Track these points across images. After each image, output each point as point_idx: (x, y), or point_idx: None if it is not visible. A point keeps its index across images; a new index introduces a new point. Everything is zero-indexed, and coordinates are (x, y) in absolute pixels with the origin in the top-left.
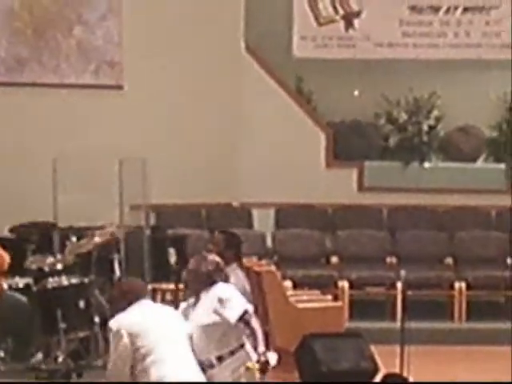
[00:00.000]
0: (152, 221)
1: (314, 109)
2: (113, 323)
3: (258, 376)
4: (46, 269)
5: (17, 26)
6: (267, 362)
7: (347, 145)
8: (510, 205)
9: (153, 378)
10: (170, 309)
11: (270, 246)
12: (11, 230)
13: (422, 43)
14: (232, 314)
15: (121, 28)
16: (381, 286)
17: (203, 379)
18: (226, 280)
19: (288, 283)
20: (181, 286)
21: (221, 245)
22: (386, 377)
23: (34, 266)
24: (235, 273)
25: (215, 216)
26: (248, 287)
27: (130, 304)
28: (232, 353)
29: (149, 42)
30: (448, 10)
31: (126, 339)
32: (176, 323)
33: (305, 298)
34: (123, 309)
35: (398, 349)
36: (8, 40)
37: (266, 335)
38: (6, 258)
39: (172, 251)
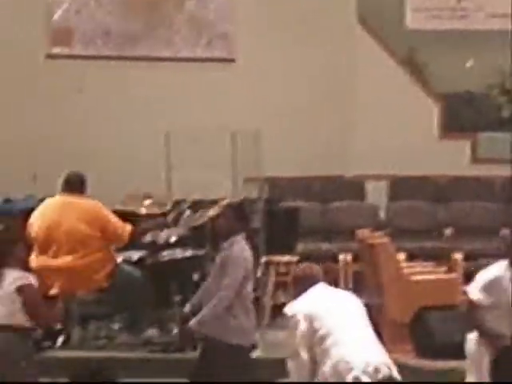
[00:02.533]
0: (265, 193)
1: (427, 80)
2: (289, 309)
3: None
4: (161, 242)
5: (129, 0)
6: None
7: (460, 116)
8: None
9: (334, 359)
10: (345, 292)
11: (383, 219)
12: (125, 204)
13: None
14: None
15: (233, 1)
16: (495, 257)
17: (386, 360)
18: None
19: (401, 255)
20: (294, 259)
21: (230, 216)
22: None
23: (148, 239)
24: (241, 244)
25: (328, 188)
26: (250, 259)
27: (306, 289)
28: None
29: (260, 15)
30: None
31: (303, 323)
32: (352, 306)
33: (419, 270)
34: (300, 294)
35: None
36: (121, 14)
37: (380, 307)
38: (125, 230)
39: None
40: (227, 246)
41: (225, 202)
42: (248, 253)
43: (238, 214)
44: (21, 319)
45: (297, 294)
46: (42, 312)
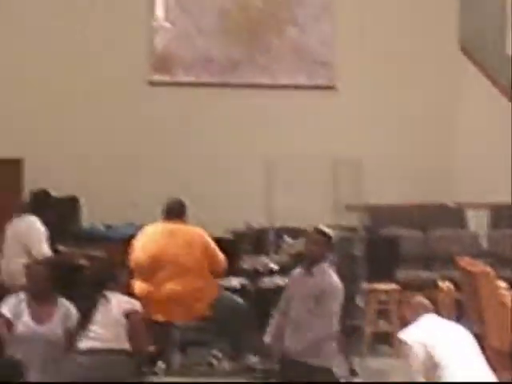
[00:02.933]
0: (366, 221)
1: None
2: (403, 336)
3: None
4: (261, 269)
5: (230, 27)
6: None
7: None
8: None
9: None
10: (456, 324)
11: (484, 247)
12: (227, 231)
13: None
14: None
15: (334, 28)
16: None
17: None
18: None
19: (503, 284)
20: (394, 286)
21: (321, 243)
22: None
23: (249, 267)
24: (328, 271)
25: (428, 216)
26: (338, 284)
27: (416, 318)
28: None
29: (361, 42)
30: None
31: (419, 352)
32: (464, 336)
33: None
34: (410, 323)
35: None
36: (221, 41)
37: (481, 336)
38: (223, 260)
39: None
40: (317, 272)
41: (315, 228)
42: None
43: (326, 241)
44: (125, 343)
45: (407, 323)
46: (144, 339)
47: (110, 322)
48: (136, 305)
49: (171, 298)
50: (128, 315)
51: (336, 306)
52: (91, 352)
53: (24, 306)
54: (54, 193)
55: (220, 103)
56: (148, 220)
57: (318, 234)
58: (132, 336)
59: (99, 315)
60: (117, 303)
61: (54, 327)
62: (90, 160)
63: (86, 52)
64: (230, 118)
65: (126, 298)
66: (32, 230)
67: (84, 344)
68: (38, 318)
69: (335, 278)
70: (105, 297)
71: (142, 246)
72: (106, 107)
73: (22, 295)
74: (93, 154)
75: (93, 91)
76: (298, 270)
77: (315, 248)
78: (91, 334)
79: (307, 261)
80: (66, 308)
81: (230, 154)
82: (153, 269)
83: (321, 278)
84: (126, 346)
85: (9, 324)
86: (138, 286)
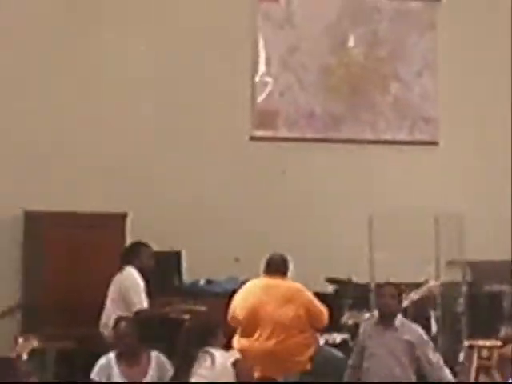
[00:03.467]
0: (468, 277)
1: None
2: None
3: None
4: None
5: (333, 83)
6: None
7: None
8: None
9: None
10: None
11: None
12: (329, 282)
13: None
14: None
15: (436, 84)
16: None
17: None
18: None
19: None
20: (497, 343)
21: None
22: None
23: (350, 322)
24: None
25: None
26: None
27: None
28: None
29: (464, 99)
30: None
31: None
32: None
33: None
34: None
35: None
36: (324, 96)
37: None
38: (325, 315)
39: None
40: (399, 324)
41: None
42: None
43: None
44: None
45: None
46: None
47: (217, 376)
48: (237, 354)
49: (270, 354)
50: (235, 364)
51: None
52: None
53: (114, 365)
54: (156, 247)
55: (322, 158)
56: (250, 275)
57: (391, 287)
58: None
59: (203, 371)
60: (221, 357)
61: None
62: (192, 214)
63: (188, 104)
64: (332, 173)
65: (227, 353)
66: (129, 283)
67: None
68: (130, 376)
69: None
70: (208, 353)
71: (242, 302)
72: (208, 161)
73: (112, 354)
74: (195, 208)
75: (195, 145)
76: (371, 325)
77: (392, 302)
78: None
79: (385, 315)
80: (161, 362)
81: (333, 208)
82: (252, 324)
83: (407, 329)
84: None
85: None
86: (238, 341)
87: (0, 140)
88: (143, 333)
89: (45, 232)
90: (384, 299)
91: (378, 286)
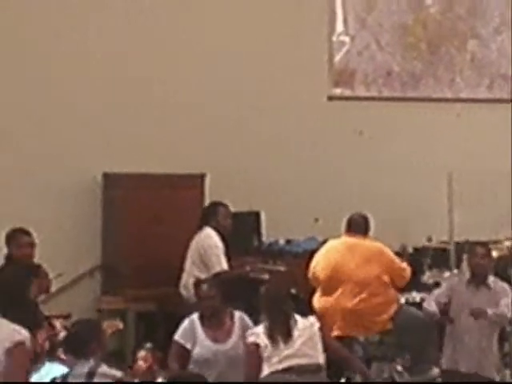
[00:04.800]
0: None
1: None
2: None
3: None
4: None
5: (411, 42)
6: None
7: None
8: None
9: None
10: None
11: None
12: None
13: None
14: None
15: None
16: None
17: None
18: None
19: None
20: None
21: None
22: None
23: (430, 281)
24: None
25: None
26: None
27: None
28: None
29: None
30: None
31: None
32: None
33: None
34: None
35: None
36: (402, 55)
37: None
38: (407, 273)
39: None
40: (492, 284)
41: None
42: None
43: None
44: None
45: None
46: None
47: (310, 337)
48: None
49: (351, 313)
50: (319, 329)
51: None
52: (299, 369)
53: (198, 327)
54: (235, 208)
55: (401, 117)
56: (330, 235)
57: (483, 247)
58: (327, 349)
59: (296, 332)
60: (302, 322)
61: (234, 344)
62: (271, 175)
63: (266, 65)
64: (410, 132)
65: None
66: (208, 243)
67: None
68: (215, 338)
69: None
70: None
71: (322, 261)
72: (286, 121)
73: (195, 316)
74: (273, 169)
75: (273, 106)
76: (460, 283)
77: (484, 261)
78: (290, 351)
79: (478, 275)
80: (245, 323)
81: (411, 167)
82: (332, 283)
83: (500, 288)
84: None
85: (184, 351)
86: (318, 301)
87: (82, 104)
88: (224, 294)
89: (124, 194)
90: (476, 258)
91: (469, 245)
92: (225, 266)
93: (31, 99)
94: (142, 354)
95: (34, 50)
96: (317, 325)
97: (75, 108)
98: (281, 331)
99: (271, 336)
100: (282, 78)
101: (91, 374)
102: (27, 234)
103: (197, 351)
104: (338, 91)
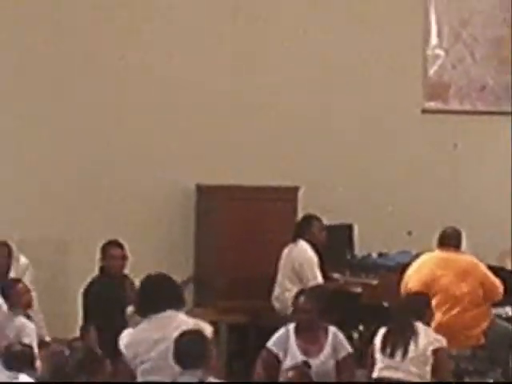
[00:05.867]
0: None
1: None
2: None
3: None
4: None
5: (505, 55)
6: None
7: None
8: None
9: None
10: None
11: None
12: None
13: None
14: None
15: None
16: None
17: None
18: None
19: None
20: None
21: None
22: None
23: None
24: None
25: None
26: None
27: None
28: None
29: None
30: None
31: None
32: None
33: None
34: None
35: None
36: (497, 69)
37: None
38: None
39: None
40: None
41: None
42: None
43: None
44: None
45: None
46: (449, 376)
47: (417, 355)
48: (443, 341)
49: (443, 327)
50: (435, 351)
51: None
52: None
53: (292, 338)
54: (327, 221)
55: (494, 131)
56: (423, 248)
57: None
58: (436, 373)
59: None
60: (425, 337)
61: (324, 360)
62: (364, 188)
63: (358, 77)
64: (504, 146)
65: (433, 334)
66: (303, 257)
67: (386, 373)
68: (306, 351)
69: None
70: (413, 328)
71: (416, 275)
72: (379, 133)
73: (291, 327)
74: (366, 182)
75: (366, 118)
76: None
77: None
78: (392, 364)
79: None
80: (338, 340)
81: (507, 181)
82: None
83: None
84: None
85: (274, 360)
86: None
87: (175, 115)
88: (320, 307)
89: (217, 206)
90: None
91: None
92: (320, 279)
93: (124, 110)
94: None
95: (136, 61)
96: (435, 345)
97: (168, 119)
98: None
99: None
100: (377, 91)
101: None
102: (120, 246)
103: (287, 362)
104: (431, 104)
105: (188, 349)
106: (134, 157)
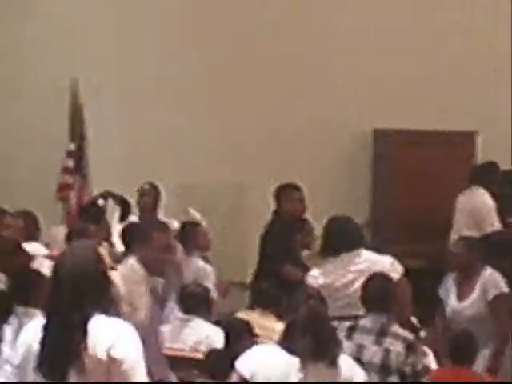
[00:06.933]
0: None
1: None
2: None
3: None
4: None
5: None
6: None
7: None
8: None
9: None
10: None
11: None
12: None
13: None
14: None
15: None
16: None
17: None
18: None
19: None
20: None
21: None
22: None
23: None
24: None
25: None
26: None
27: None
28: None
29: None
30: None
31: None
32: None
33: None
34: None
35: None
36: None
37: None
38: None
39: None
40: None
41: None
42: None
43: None
44: None
45: None
46: None
47: None
48: None
49: None
50: None
51: None
52: None
53: (452, 285)
54: (504, 166)
55: None
56: None
57: None
58: None
59: None
60: None
61: (474, 301)
62: None
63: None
64: None
65: None
66: (480, 203)
67: None
68: (461, 296)
69: None
70: None
71: None
72: None
73: (454, 274)
74: None
75: None
76: None
77: None
78: None
79: None
80: (490, 279)
81: None
82: None
83: None
84: None
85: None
86: None
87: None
88: (491, 253)
89: (394, 150)
90: None
91: None
92: (497, 226)
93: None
94: None
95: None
96: None
97: (346, 66)
98: None
99: None
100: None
101: (384, 331)
102: (298, 189)
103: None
104: None
105: (372, 292)
106: (310, 101)
